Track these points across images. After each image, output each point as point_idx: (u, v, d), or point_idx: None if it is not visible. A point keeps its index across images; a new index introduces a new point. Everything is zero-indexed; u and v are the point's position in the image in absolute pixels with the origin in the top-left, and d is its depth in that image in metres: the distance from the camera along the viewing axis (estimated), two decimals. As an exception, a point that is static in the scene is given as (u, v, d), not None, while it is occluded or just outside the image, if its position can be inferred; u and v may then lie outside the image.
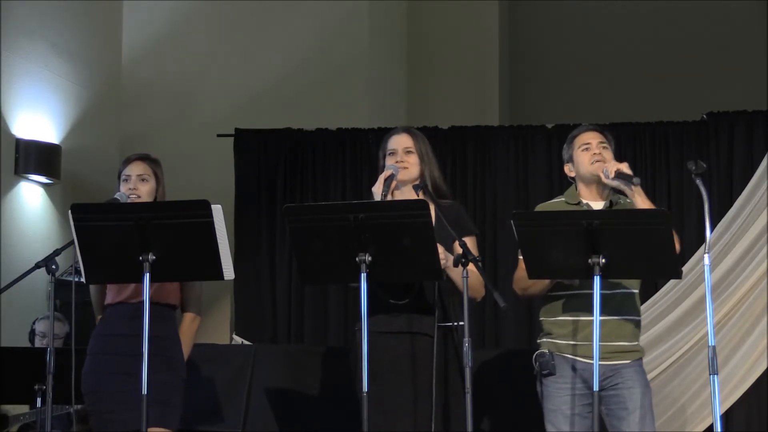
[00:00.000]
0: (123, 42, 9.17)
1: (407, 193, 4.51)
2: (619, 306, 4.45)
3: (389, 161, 4.54)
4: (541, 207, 4.74)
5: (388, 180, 4.42)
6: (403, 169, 4.50)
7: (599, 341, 4.10)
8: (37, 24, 8.13)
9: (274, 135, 8.39)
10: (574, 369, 4.43)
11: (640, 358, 4.55)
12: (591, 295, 4.12)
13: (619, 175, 4.41)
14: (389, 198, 4.39)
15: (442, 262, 4.19)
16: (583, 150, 4.56)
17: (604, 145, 4.56)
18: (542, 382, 4.51)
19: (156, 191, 4.79)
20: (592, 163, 4.51)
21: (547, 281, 4.46)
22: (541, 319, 4.59)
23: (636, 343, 4.53)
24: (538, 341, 4.58)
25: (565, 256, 4.17)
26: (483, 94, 9.87)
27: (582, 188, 4.60)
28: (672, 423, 6.53)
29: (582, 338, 4.42)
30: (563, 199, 4.65)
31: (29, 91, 8.02)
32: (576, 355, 4.44)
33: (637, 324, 4.55)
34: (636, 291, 4.55)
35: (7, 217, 7.74)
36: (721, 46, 10.04)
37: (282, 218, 6.83)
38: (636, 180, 4.38)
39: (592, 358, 4.14)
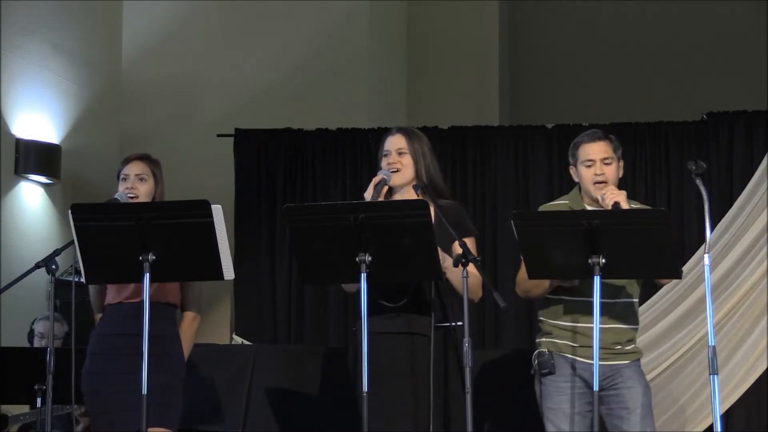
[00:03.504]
0: (123, 42, 9.17)
1: (406, 194, 4.51)
2: (619, 315, 4.47)
3: (383, 163, 4.54)
4: (544, 208, 4.73)
5: (379, 185, 4.43)
6: (396, 171, 4.49)
7: (599, 343, 4.11)
8: (37, 24, 8.13)
9: (274, 135, 8.39)
10: (573, 368, 4.44)
11: (638, 359, 4.58)
12: (591, 302, 4.12)
13: (615, 209, 4.38)
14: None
15: (441, 264, 4.18)
16: (586, 166, 4.53)
17: (608, 161, 4.51)
18: (541, 381, 4.52)
19: (154, 191, 4.79)
20: (594, 183, 4.50)
21: (547, 284, 4.45)
22: (540, 319, 4.59)
23: (634, 345, 4.56)
24: (537, 341, 4.58)
25: (565, 256, 4.17)
26: (483, 94, 9.86)
27: (586, 195, 4.59)
28: (672, 423, 6.53)
29: (582, 342, 4.43)
30: (567, 202, 4.63)
31: (29, 91, 8.02)
32: (575, 356, 4.45)
33: (636, 331, 4.60)
34: (636, 300, 4.57)
35: (7, 217, 7.74)
36: (721, 46, 10.04)
37: (282, 218, 6.83)
38: None
39: (591, 359, 4.17)
